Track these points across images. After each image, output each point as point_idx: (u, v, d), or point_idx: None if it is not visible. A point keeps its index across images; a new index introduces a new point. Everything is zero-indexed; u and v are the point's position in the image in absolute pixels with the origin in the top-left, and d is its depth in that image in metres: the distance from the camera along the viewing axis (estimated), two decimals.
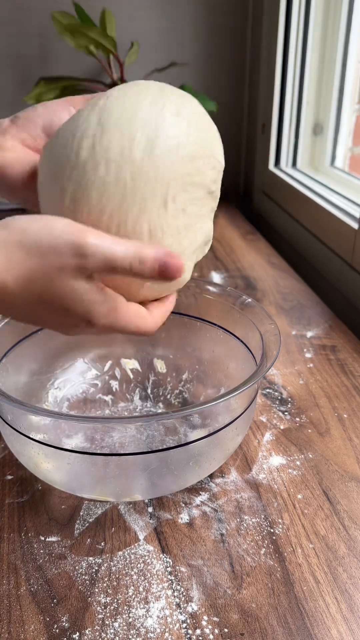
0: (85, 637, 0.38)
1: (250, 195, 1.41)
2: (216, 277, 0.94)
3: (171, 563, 0.43)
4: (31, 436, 0.44)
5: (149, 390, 0.61)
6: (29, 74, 1.24)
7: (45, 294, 0.34)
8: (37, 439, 0.45)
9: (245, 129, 1.41)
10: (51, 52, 1.24)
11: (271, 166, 1.23)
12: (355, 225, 0.85)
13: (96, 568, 0.43)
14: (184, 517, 0.47)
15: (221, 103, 1.31)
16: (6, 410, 0.45)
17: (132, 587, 0.41)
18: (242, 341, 0.54)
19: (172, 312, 0.62)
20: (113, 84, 1.13)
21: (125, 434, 0.49)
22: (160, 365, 0.61)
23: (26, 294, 0.34)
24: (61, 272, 0.33)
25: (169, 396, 0.60)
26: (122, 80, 1.13)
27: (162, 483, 0.47)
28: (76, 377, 0.60)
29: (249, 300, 0.55)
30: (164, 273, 0.35)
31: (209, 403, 0.41)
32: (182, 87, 1.12)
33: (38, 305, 0.34)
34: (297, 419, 0.59)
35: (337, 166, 1.15)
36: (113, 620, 0.39)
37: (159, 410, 0.59)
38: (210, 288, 0.59)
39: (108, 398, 0.60)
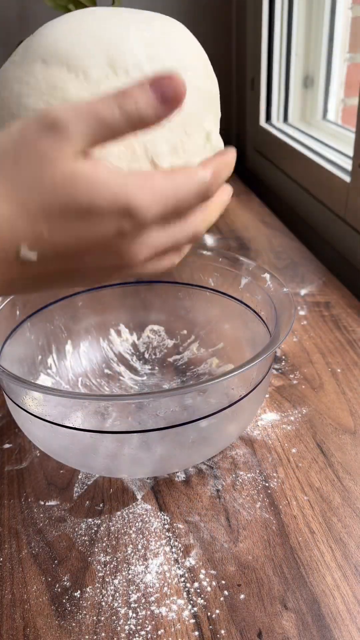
0: (86, 594, 0.39)
1: (243, 153, 1.38)
2: (209, 240, 0.93)
3: (169, 520, 0.44)
4: (32, 412, 0.44)
5: (147, 356, 0.61)
6: (8, 38, 1.21)
7: (48, 201, 0.26)
8: (39, 414, 0.44)
9: (234, 85, 1.37)
10: (30, 14, 1.20)
11: (262, 122, 1.21)
12: (347, 179, 0.84)
13: (95, 529, 0.44)
14: (180, 475, 0.48)
15: (208, 59, 1.28)
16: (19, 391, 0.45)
17: (131, 545, 0.42)
18: (251, 308, 0.54)
19: (165, 281, 0.62)
20: None
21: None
22: (214, 363, 0.59)
23: (27, 212, 0.26)
24: (45, 161, 0.26)
25: (176, 363, 0.61)
26: None
27: (174, 460, 0.47)
28: (77, 354, 0.60)
29: (248, 261, 0.55)
30: (163, 94, 0.27)
31: (233, 373, 0.40)
32: None
33: (52, 222, 0.26)
34: (291, 376, 0.59)
35: (330, 119, 1.13)
36: (113, 577, 0.40)
37: (172, 384, 0.59)
38: (204, 252, 0.58)
39: (121, 369, 0.60)
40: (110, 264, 0.29)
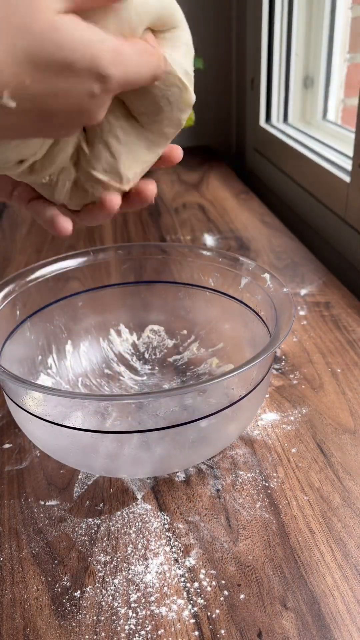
0: (86, 594, 0.39)
1: (243, 153, 1.38)
2: (209, 239, 0.93)
3: (169, 520, 0.44)
4: (32, 412, 0.44)
5: (147, 356, 0.61)
6: None
7: (33, 48, 0.27)
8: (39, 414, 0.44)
9: (234, 85, 1.38)
10: None
11: (262, 122, 1.21)
12: (347, 179, 0.84)
13: (95, 529, 0.44)
14: (180, 475, 0.48)
15: (208, 59, 1.28)
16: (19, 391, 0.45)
17: (131, 545, 0.42)
18: (250, 307, 0.54)
19: (165, 281, 0.62)
20: None
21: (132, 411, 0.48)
22: (214, 363, 0.59)
23: (13, 56, 0.26)
24: (33, 8, 0.26)
25: (176, 363, 0.61)
26: None
27: (174, 460, 0.47)
28: (77, 354, 0.60)
29: (248, 261, 0.55)
30: None
31: (235, 371, 0.40)
32: None
33: (34, 70, 0.27)
34: (291, 376, 0.59)
35: (330, 119, 1.13)
36: (113, 577, 0.40)
37: (173, 384, 0.59)
38: (204, 252, 0.58)
39: (121, 369, 0.60)
40: (77, 120, 0.31)
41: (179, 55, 0.36)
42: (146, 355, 0.62)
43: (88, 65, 0.28)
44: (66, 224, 0.41)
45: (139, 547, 0.42)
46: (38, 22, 0.26)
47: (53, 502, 0.46)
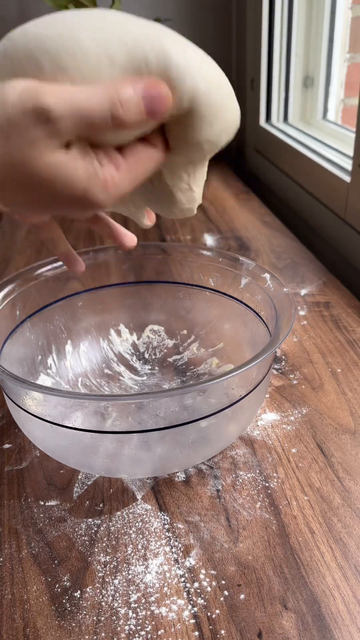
0: (86, 594, 0.39)
1: (243, 153, 1.38)
2: (209, 240, 0.93)
3: (169, 520, 0.44)
4: (33, 412, 0.44)
5: (147, 356, 0.61)
6: None
7: (30, 184, 0.29)
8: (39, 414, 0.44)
9: (234, 85, 1.37)
10: (31, 14, 1.20)
11: (262, 122, 1.21)
12: (347, 179, 0.84)
13: (95, 529, 0.44)
14: (180, 475, 0.48)
15: None
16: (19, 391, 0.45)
17: (131, 546, 0.42)
18: (250, 307, 0.54)
19: (165, 281, 0.62)
20: None
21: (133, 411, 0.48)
22: (214, 363, 0.59)
23: (10, 186, 0.29)
24: (33, 149, 0.28)
25: (176, 363, 0.61)
26: None
27: (174, 460, 0.47)
28: (77, 354, 0.60)
29: (248, 261, 0.55)
30: (152, 107, 0.29)
31: (237, 370, 0.40)
32: None
33: (29, 197, 0.30)
34: (291, 376, 0.59)
35: (330, 119, 1.13)
36: (113, 577, 0.40)
37: (173, 384, 0.59)
38: (204, 252, 0.58)
39: (121, 369, 0.60)
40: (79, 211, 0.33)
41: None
42: (146, 355, 0.62)
43: (81, 197, 0.30)
44: (79, 266, 0.47)
45: (139, 547, 0.42)
46: (36, 163, 0.28)
47: (53, 502, 0.46)
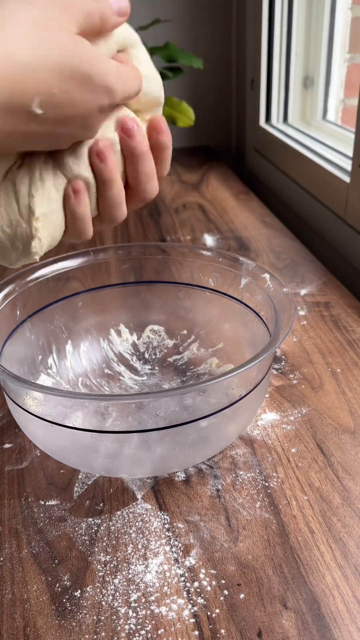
0: (87, 594, 0.39)
1: (242, 153, 1.39)
2: (209, 240, 0.93)
3: (169, 520, 0.44)
4: (32, 411, 0.44)
5: (148, 356, 0.61)
6: None
7: (63, 58, 0.31)
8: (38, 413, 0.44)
9: (234, 85, 1.38)
10: None
11: (262, 122, 1.21)
12: (347, 179, 0.84)
13: (95, 528, 0.44)
14: (180, 475, 0.48)
15: (208, 60, 1.28)
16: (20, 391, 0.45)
17: (131, 545, 0.42)
18: (250, 307, 0.54)
19: (165, 281, 0.62)
20: None
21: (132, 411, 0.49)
22: (214, 363, 0.59)
23: (47, 66, 0.30)
24: (61, 27, 0.31)
25: (176, 363, 0.61)
26: None
27: (174, 460, 0.47)
28: (77, 354, 0.60)
29: (248, 261, 0.55)
30: (119, 10, 0.35)
31: (238, 370, 0.40)
32: (166, 45, 1.10)
33: (61, 81, 0.31)
34: (291, 376, 0.59)
35: (330, 119, 1.13)
36: (113, 577, 0.40)
37: (173, 384, 0.59)
38: (204, 252, 0.58)
39: (121, 369, 0.60)
40: (81, 134, 0.35)
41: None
42: (146, 355, 0.62)
43: (101, 80, 0.32)
44: None
45: (139, 546, 0.42)
46: (66, 37, 0.31)
47: (53, 502, 0.46)
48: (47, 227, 0.37)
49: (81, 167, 0.37)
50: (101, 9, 0.33)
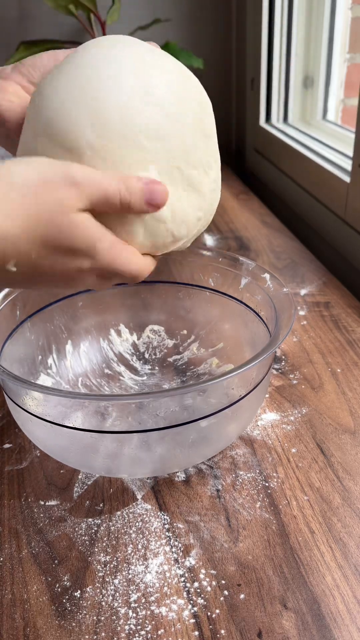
0: (87, 594, 0.39)
1: (243, 153, 1.39)
2: (209, 240, 0.93)
3: (169, 520, 0.44)
4: (32, 412, 0.44)
5: (147, 356, 0.61)
6: (8, 39, 1.21)
7: (49, 235, 0.33)
8: (39, 414, 0.44)
9: (234, 85, 1.38)
10: (30, 14, 1.20)
11: (262, 122, 1.21)
12: (347, 179, 0.84)
13: (95, 529, 0.44)
14: (180, 475, 0.48)
15: (208, 59, 1.28)
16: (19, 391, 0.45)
17: (131, 545, 0.42)
18: (250, 307, 0.54)
19: (165, 281, 0.62)
20: None
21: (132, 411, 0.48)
22: (214, 363, 0.60)
23: (30, 237, 0.33)
24: (61, 205, 0.33)
25: (176, 363, 0.61)
26: None
27: (174, 460, 0.47)
28: (77, 354, 0.60)
29: (248, 261, 0.55)
30: (150, 200, 0.36)
31: (238, 369, 0.40)
32: (166, 45, 1.10)
33: (42, 249, 0.34)
34: (291, 376, 0.59)
35: (330, 119, 1.13)
36: (113, 577, 0.40)
37: (173, 384, 0.59)
38: (204, 252, 0.58)
39: (121, 369, 0.60)
40: (63, 285, 0.38)
41: None
42: (146, 355, 0.62)
43: (86, 250, 0.35)
44: None
45: (139, 547, 0.42)
46: (61, 218, 0.33)
47: (53, 502, 0.46)
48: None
49: None
50: (124, 196, 0.35)
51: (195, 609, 0.38)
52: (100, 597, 0.39)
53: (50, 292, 0.37)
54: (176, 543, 0.42)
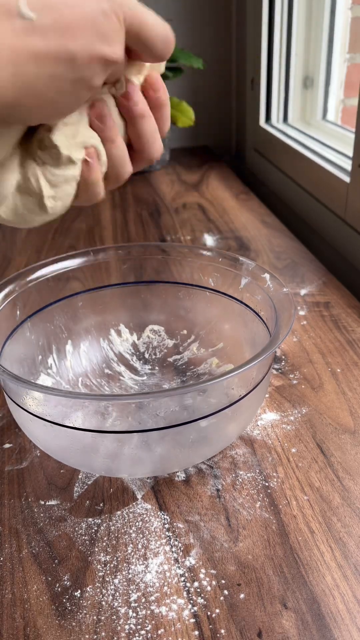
0: (87, 594, 0.39)
1: (243, 153, 1.39)
2: (209, 240, 0.93)
3: (169, 520, 0.44)
4: (32, 411, 0.44)
5: (148, 356, 0.61)
6: None
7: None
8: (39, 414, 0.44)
9: (234, 85, 1.38)
10: None
11: (262, 122, 1.21)
12: (347, 179, 0.84)
13: (95, 528, 0.44)
14: (180, 475, 0.48)
15: (208, 60, 1.28)
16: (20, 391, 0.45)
17: (131, 545, 0.42)
18: (250, 307, 0.54)
19: (165, 281, 0.62)
20: None
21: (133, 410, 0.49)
22: (214, 363, 0.59)
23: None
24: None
25: (176, 363, 0.61)
26: None
27: (174, 460, 0.47)
28: (77, 354, 0.60)
29: (248, 261, 0.55)
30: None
31: (238, 369, 0.40)
32: None
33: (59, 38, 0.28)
34: (291, 376, 0.59)
35: (330, 119, 1.13)
36: (113, 577, 0.40)
37: (173, 384, 0.59)
38: (204, 252, 0.58)
39: (121, 369, 0.60)
40: (99, 46, 0.30)
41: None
42: (146, 355, 0.62)
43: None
44: None
45: (139, 546, 0.42)
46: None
47: (53, 502, 0.46)
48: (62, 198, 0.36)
49: (86, 133, 0.36)
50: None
51: (195, 608, 0.38)
52: (100, 596, 0.39)
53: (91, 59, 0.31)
54: (176, 543, 0.42)
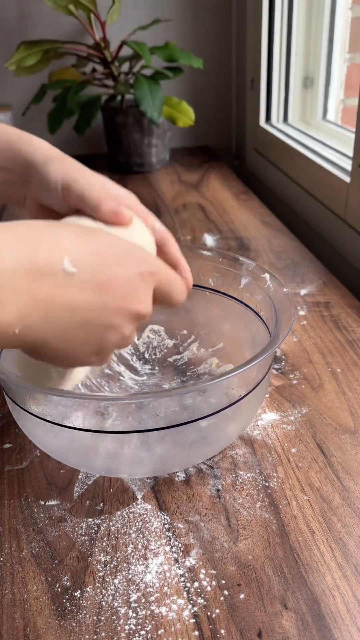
0: (87, 594, 0.39)
1: (243, 153, 1.39)
2: (209, 240, 0.93)
3: (169, 520, 0.44)
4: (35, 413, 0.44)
5: (148, 356, 0.61)
6: (8, 39, 1.21)
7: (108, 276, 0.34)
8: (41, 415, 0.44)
9: (234, 85, 1.38)
10: (31, 14, 1.20)
11: (262, 122, 1.21)
12: (347, 179, 0.84)
13: (95, 528, 0.44)
14: (180, 475, 0.48)
15: (208, 60, 1.28)
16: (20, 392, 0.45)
17: (131, 545, 0.42)
18: (252, 309, 0.54)
19: None
20: (96, 45, 1.10)
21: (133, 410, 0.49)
22: (214, 363, 0.60)
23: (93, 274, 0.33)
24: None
25: (176, 363, 0.61)
26: (105, 40, 1.10)
27: (174, 460, 0.47)
28: None
29: (248, 261, 0.55)
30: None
31: (239, 369, 0.40)
32: (166, 45, 1.10)
33: (101, 291, 0.33)
34: (291, 376, 0.59)
35: (330, 119, 1.13)
36: (113, 577, 0.40)
37: (173, 384, 0.59)
38: (204, 252, 0.58)
39: (121, 369, 0.60)
40: (128, 304, 0.35)
41: None
42: (146, 355, 0.62)
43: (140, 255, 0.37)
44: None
45: (139, 547, 0.42)
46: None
47: (53, 502, 0.46)
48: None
49: None
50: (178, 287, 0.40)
51: (195, 608, 0.38)
52: (100, 597, 0.39)
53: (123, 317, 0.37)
54: (176, 543, 0.42)
